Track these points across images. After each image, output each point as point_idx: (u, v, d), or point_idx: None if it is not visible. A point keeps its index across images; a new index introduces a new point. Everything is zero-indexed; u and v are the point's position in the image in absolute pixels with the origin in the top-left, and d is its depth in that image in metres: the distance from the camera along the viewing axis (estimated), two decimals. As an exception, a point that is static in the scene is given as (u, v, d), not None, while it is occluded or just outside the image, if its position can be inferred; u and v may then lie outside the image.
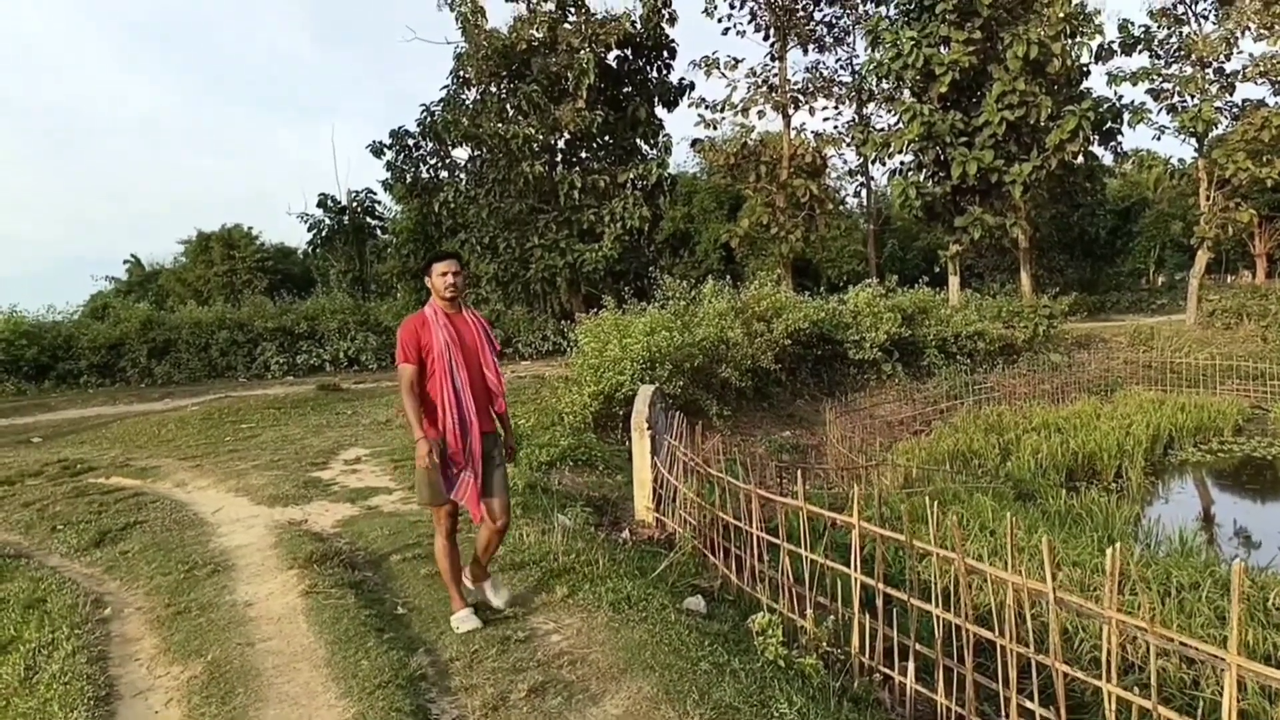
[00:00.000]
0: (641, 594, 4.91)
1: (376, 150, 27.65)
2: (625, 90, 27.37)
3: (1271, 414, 16.80)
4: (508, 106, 25.39)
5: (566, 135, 26.21)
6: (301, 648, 4.29)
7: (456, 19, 25.44)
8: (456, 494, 4.27)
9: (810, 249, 35.17)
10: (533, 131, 23.94)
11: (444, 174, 27.95)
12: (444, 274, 4.39)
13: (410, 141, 27.38)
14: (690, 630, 4.39)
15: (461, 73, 26.19)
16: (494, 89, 26.14)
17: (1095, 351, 22.03)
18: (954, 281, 25.68)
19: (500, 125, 24.28)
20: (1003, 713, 3.44)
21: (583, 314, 17.15)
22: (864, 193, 35.35)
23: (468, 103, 26.22)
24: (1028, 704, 3.35)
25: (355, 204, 31.88)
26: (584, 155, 27.75)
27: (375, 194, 32.12)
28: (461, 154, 27.42)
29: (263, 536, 6.41)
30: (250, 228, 48.79)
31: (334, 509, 7.32)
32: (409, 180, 27.74)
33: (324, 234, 31.45)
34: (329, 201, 31.36)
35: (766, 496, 5.19)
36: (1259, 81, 28.03)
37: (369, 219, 32.88)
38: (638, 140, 27.35)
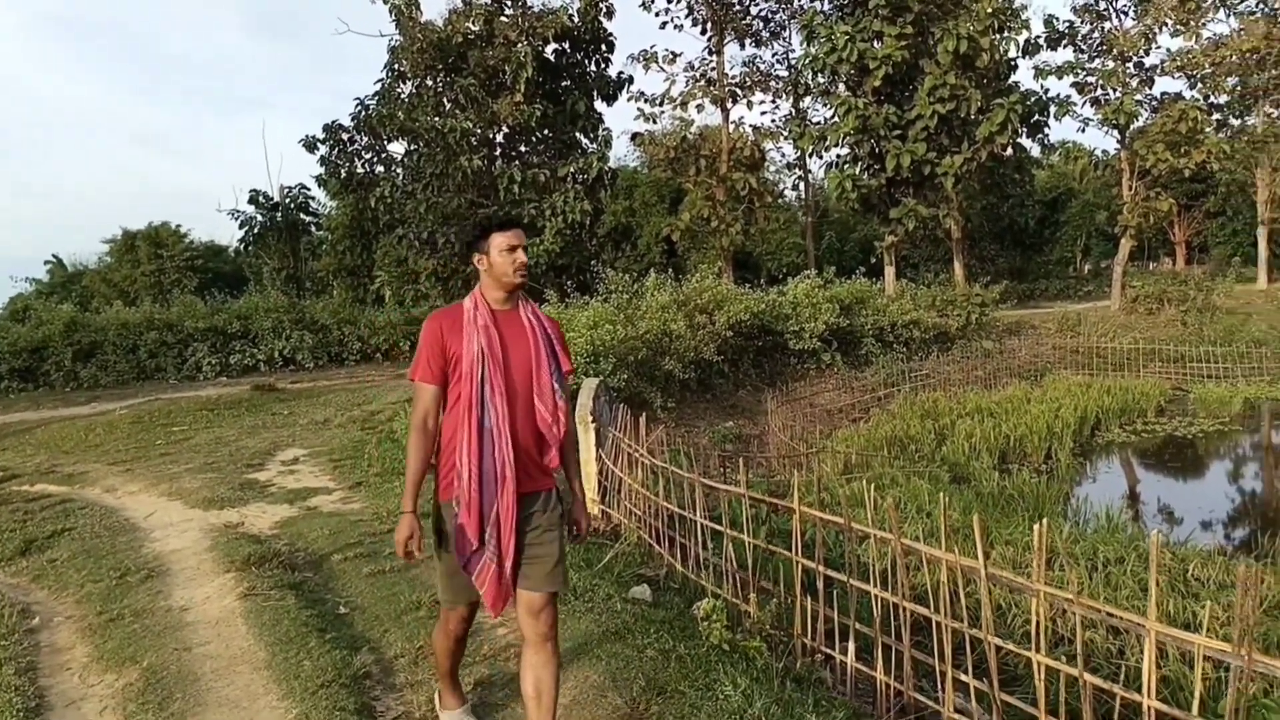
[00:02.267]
0: (587, 585, 4.94)
1: (310, 145, 27.04)
2: (564, 84, 27.25)
3: (1191, 395, 17.53)
4: (444, 100, 25.08)
5: (505, 129, 26.00)
6: (241, 650, 4.21)
7: (390, 11, 25.02)
8: (472, 573, 2.88)
9: (750, 242, 35.52)
10: (470, 125, 23.70)
11: (380, 169, 27.46)
12: (510, 248, 2.91)
13: (344, 136, 26.82)
14: (636, 619, 4.43)
15: (396, 66, 25.78)
16: (430, 82, 25.79)
17: (1025, 338, 22.69)
18: (890, 272, 26.19)
19: (437, 119, 23.97)
20: (939, 687, 3.56)
21: (524, 309, 17.05)
22: (802, 186, 35.78)
23: (403, 96, 25.82)
24: (963, 677, 3.46)
25: (289, 200, 31.16)
26: (523, 149, 27.57)
27: (309, 190, 31.46)
28: (397, 148, 27.00)
29: (198, 540, 6.26)
30: (178, 225, 47.41)
31: (272, 510, 7.18)
32: (344, 175, 27.19)
33: (256, 231, 30.67)
34: (261, 198, 30.59)
35: (710, 485, 5.26)
36: (1176, 75, 29.21)
37: (303, 215, 32.16)
38: (577, 134, 27.26)
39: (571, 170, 25.51)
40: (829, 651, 4.18)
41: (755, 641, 4.12)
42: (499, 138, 26.79)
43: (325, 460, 9.24)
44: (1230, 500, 11.28)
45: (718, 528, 5.06)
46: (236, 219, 30.19)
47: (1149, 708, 2.66)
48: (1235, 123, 33.24)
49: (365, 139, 26.77)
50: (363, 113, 26.05)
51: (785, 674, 3.88)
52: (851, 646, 4.00)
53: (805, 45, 25.56)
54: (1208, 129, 26.35)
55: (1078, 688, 2.95)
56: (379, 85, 26.15)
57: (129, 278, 44.67)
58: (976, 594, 3.83)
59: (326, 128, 26.75)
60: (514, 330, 2.95)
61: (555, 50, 26.69)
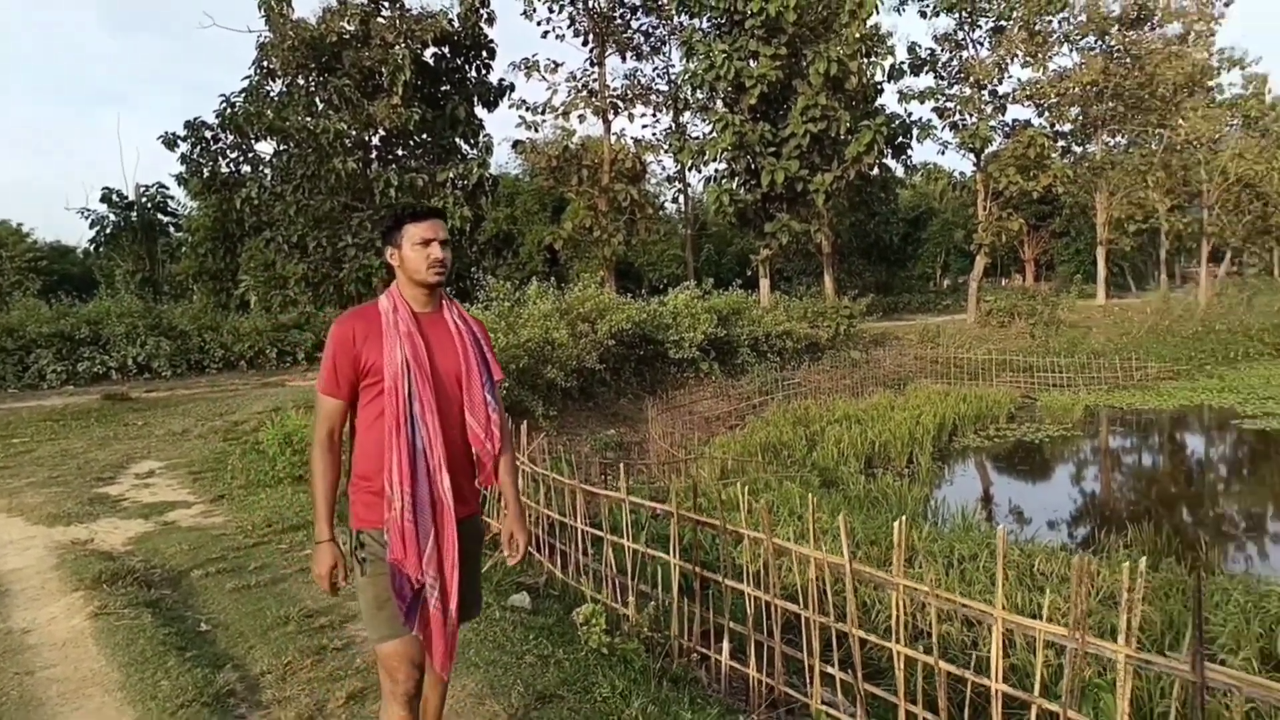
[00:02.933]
0: (465, 594, 4.88)
1: (169, 142, 25.58)
2: (444, 89, 26.84)
3: (1039, 402, 18.81)
4: (317, 100, 24.23)
5: (381, 132, 25.36)
6: (92, 672, 3.95)
7: (260, 6, 24.02)
8: (413, 625, 2.45)
9: (632, 252, 35.93)
10: (345, 127, 22.98)
11: (246, 169, 26.26)
12: (425, 241, 2.56)
13: (208, 134, 25.51)
14: (515, 626, 4.42)
15: (265, 63, 24.72)
16: (301, 81, 24.88)
17: (890, 349, 23.83)
18: (764, 284, 26.99)
19: (309, 119, 23.13)
20: (807, 680, 3.71)
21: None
22: (681, 199, 36.47)
23: (272, 95, 24.78)
24: (830, 670, 3.62)
25: (145, 199, 29.40)
26: (401, 153, 26.96)
27: (168, 189, 29.79)
28: (266, 148, 25.87)
29: (42, 558, 5.83)
30: (20, 224, 43.97)
31: (125, 526, 6.75)
32: (206, 175, 25.85)
33: (109, 231, 28.80)
34: (115, 196, 28.77)
35: (591, 491, 5.30)
36: (1025, 104, 31.42)
37: (161, 215, 30.42)
38: (457, 140, 26.89)
39: (451, 176, 25.12)
40: (705, 651, 4.29)
41: (633, 644, 4.17)
42: (375, 140, 26.11)
43: (184, 473, 8.76)
44: (1072, 500, 12.16)
45: (598, 533, 5.11)
46: (87, 218, 28.30)
47: (996, 691, 2.87)
48: (1078, 150, 36.05)
49: (231, 137, 25.55)
50: (228, 110, 24.85)
51: (662, 674, 3.96)
52: (726, 645, 4.11)
53: (685, 61, 26.10)
54: (1053, 154, 28.45)
55: (935, 676, 3.14)
56: (246, 82, 25.04)
57: (-38, 278, 41.05)
58: (844, 591, 4.02)
59: (188, 124, 25.42)
60: (440, 336, 2.59)
61: (435, 54, 26.28)
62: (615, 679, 3.67)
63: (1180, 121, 33.39)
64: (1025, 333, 26.94)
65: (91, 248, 31.20)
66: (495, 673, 3.84)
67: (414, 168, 25.76)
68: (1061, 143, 33.66)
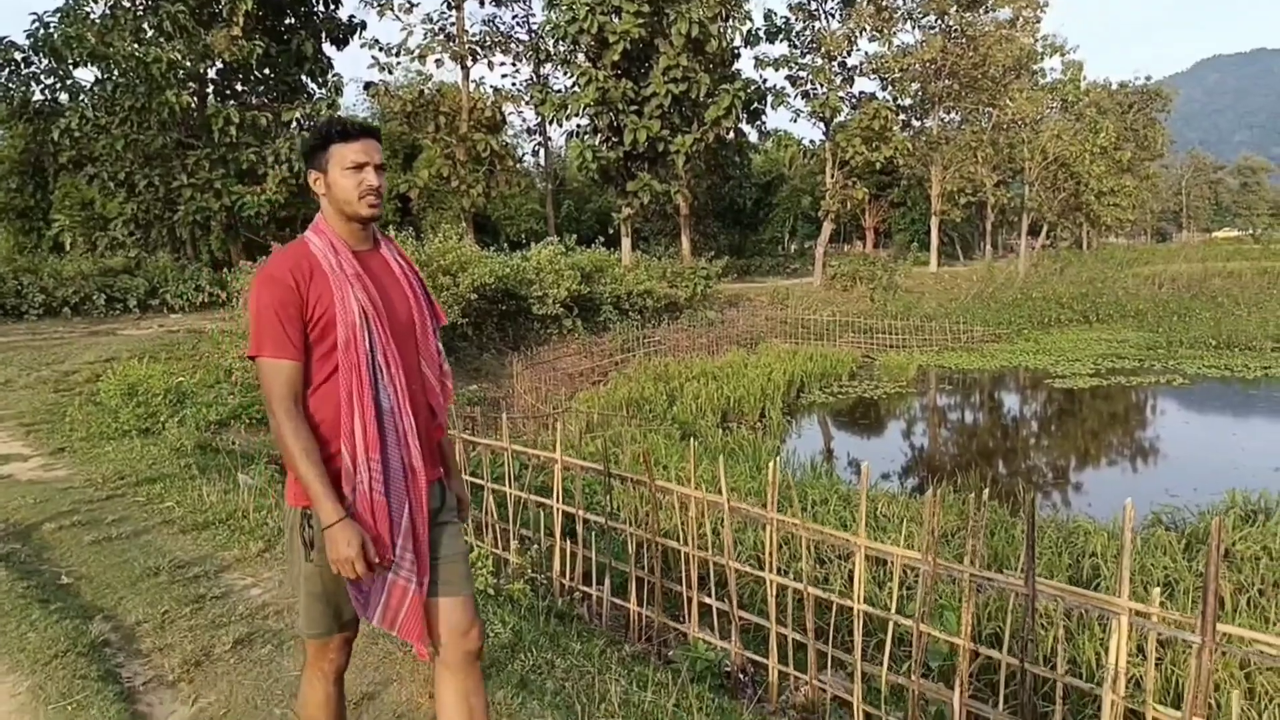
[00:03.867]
0: (344, 542, 4.88)
1: (-29, 63, 22.94)
2: (289, 22, 25.30)
3: (877, 362, 20.08)
4: (146, 25, 22.28)
5: (219, 64, 23.69)
6: (-57, 632, 3.73)
7: (77, -85, 21.78)
8: (374, 613, 2.18)
9: (490, 205, 35.26)
10: (179, 57, 21.27)
11: (64, 97, 23.90)
12: (356, 165, 2.19)
13: (18, 56, 23.01)
14: (399, 571, 4.47)
15: (85, -20, 22.49)
16: (128, 4, 22.81)
17: (743, 309, 24.72)
18: (626, 243, 27.28)
19: (137, 46, 21.25)
20: (685, 611, 3.99)
21: (245, 262, 15.85)
22: (542, 152, 36.05)
23: (94, 17, 22.57)
24: (706, 600, 3.92)
25: (-62, 125, 26.23)
26: (241, 89, 25.32)
27: (-34, 115, 26.63)
28: (86, 75, 23.63)
29: None
30: None
31: (-48, 481, 6.26)
32: (15, 102, 23.34)
33: (-105, 159, 25.58)
34: (-100, 118, 25.48)
35: (472, 440, 5.37)
36: (872, 77, 32.90)
37: (-44, 144, 27.27)
38: (304, 78, 25.48)
39: (298, 116, 23.84)
40: (586, 589, 4.50)
41: (518, 585, 4.33)
42: (212, 74, 24.38)
43: (14, 425, 8.13)
44: (906, 452, 13.18)
45: (477, 482, 5.20)
46: None
47: (859, 611, 3.22)
48: (917, 124, 38.18)
49: (45, 61, 23.12)
50: (41, 31, 22.45)
51: (548, 611, 4.14)
52: (608, 582, 4.34)
53: (547, 11, 25.70)
54: (895, 127, 30.03)
55: (804, 603, 3.47)
56: (62, 1, 22.68)
57: None
58: (719, 530, 4.32)
59: (-7, 43, 22.84)
60: (387, 277, 2.28)
61: (279, -16, 24.70)
62: (505, 616, 3.82)
63: (1007, 102, 36.00)
64: (866, 297, 28.54)
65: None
66: (385, 615, 3.91)
67: (256, 105, 24.27)
68: (903, 116, 35.55)
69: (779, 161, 53.72)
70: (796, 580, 3.48)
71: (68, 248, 28.14)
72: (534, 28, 30.00)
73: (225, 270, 20.88)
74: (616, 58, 23.76)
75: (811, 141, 34.80)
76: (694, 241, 33.23)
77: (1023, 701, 2.77)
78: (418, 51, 27.81)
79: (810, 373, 17.50)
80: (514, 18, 31.76)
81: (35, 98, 23.55)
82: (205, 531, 5.07)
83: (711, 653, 3.75)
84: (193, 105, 22.37)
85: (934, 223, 41.14)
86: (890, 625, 3.15)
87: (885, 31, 31.42)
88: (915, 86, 35.78)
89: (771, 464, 3.51)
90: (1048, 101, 38.99)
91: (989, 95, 36.29)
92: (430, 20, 28.35)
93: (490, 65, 30.27)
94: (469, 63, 28.74)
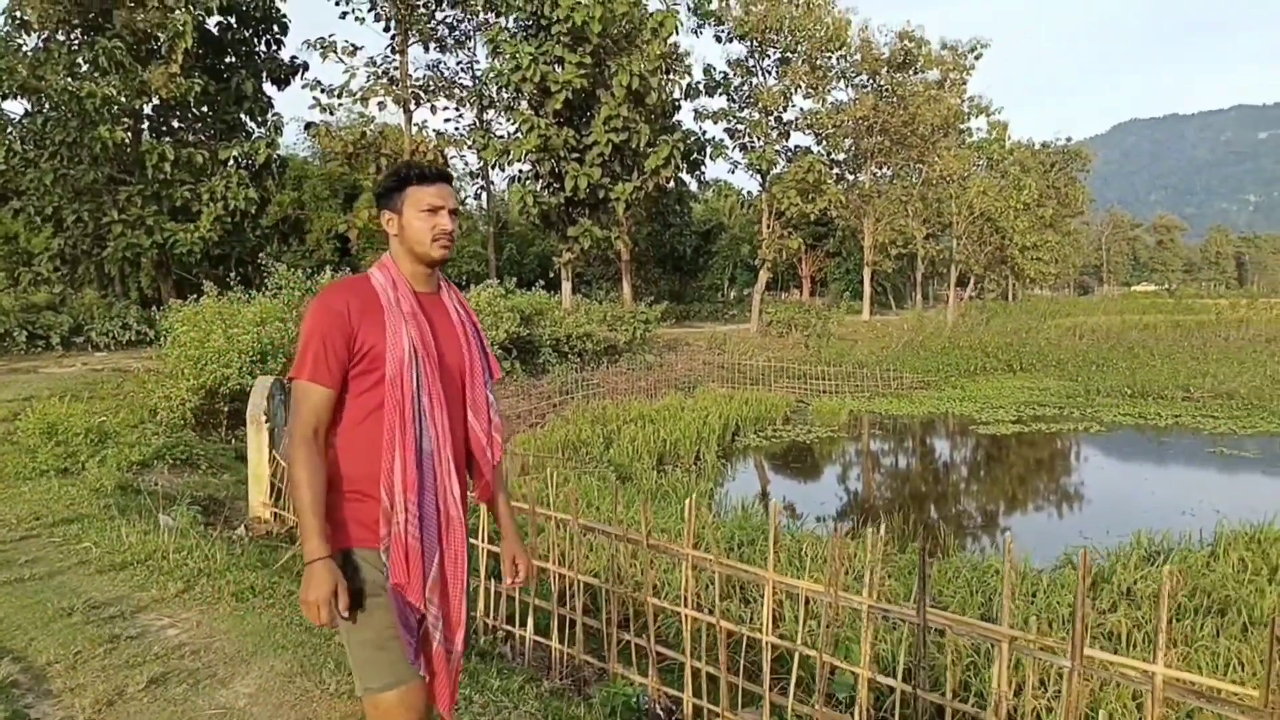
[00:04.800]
0: (266, 584, 4.86)
1: (-110, 88, 22.28)
2: (229, 61, 25.21)
3: (810, 407, 20.49)
4: (80, 60, 21.99)
5: (156, 101, 23.44)
6: None
7: (12, -52, 21.52)
8: (420, 663, 2.12)
9: (430, 247, 35.11)
10: (114, 93, 21.02)
11: (-10, 128, 23.35)
12: (433, 209, 2.21)
13: (-57, 84, 22.46)
14: (322, 611, 4.47)
15: (18, 14, 22.13)
16: (62, 38, 22.51)
17: (681, 354, 25.05)
18: (566, 287, 27.47)
19: (70, 81, 20.95)
20: (605, 648, 4.08)
21: (175, 300, 15.57)
22: (484, 196, 36.26)
23: (25, 49, 22.20)
24: (625, 636, 4.02)
25: None
26: (178, 125, 25.04)
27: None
28: (15, 108, 23.17)
29: None
30: None
31: None
32: (-61, 132, 22.72)
33: None
34: None
35: (397, 480, 5.40)
36: (806, 132, 33.99)
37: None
38: (243, 116, 25.33)
39: (235, 154, 23.67)
40: (509, 629, 4.56)
41: (442, 622, 4.36)
42: (148, 109, 24.11)
43: (-77, 464, 7.86)
44: (836, 495, 13.46)
45: (405, 521, 5.22)
46: None
47: (767, 643, 3.36)
48: (850, 178, 39.47)
49: (-28, 92, 22.61)
50: (-31, 60, 22.00)
51: (469, 650, 4.18)
52: (531, 620, 4.40)
53: (490, 59, 26.08)
54: (829, 180, 31.02)
55: (716, 638, 3.60)
56: (-7, 32, 22.28)
57: None
58: (639, 567, 4.43)
59: (-83, 71, 22.22)
60: (442, 321, 2.25)
61: (219, 23, 24.65)
62: (427, 653, 3.86)
63: (936, 159, 37.49)
64: (801, 343, 29.16)
65: None
66: (304, 653, 3.91)
67: (192, 142, 24.03)
68: (836, 170, 36.75)
69: (719, 211, 54.84)
70: (710, 615, 3.61)
71: (-10, 284, 27.25)
72: (477, 74, 30.36)
73: (154, 308, 20.45)
74: (559, 106, 24.17)
75: (749, 192, 35.66)
76: (635, 287, 33.62)
77: (916, 727, 2.93)
78: (360, 94, 27.91)
79: (745, 416, 17.78)
80: (458, 63, 32.12)
81: (-41, 128, 22.94)
82: (123, 572, 4.99)
83: (630, 688, 3.83)
84: (127, 141, 22.04)
85: (867, 273, 42.36)
86: (796, 656, 3.29)
87: (820, 89, 32.59)
88: (848, 142, 37.09)
89: (687, 502, 3.65)
90: (974, 159, 40.76)
91: (918, 152, 37.78)
92: (374, 64, 28.51)
93: (433, 109, 30.50)
94: (412, 106, 28.93)
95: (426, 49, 29.92)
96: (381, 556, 2.06)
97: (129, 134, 22.31)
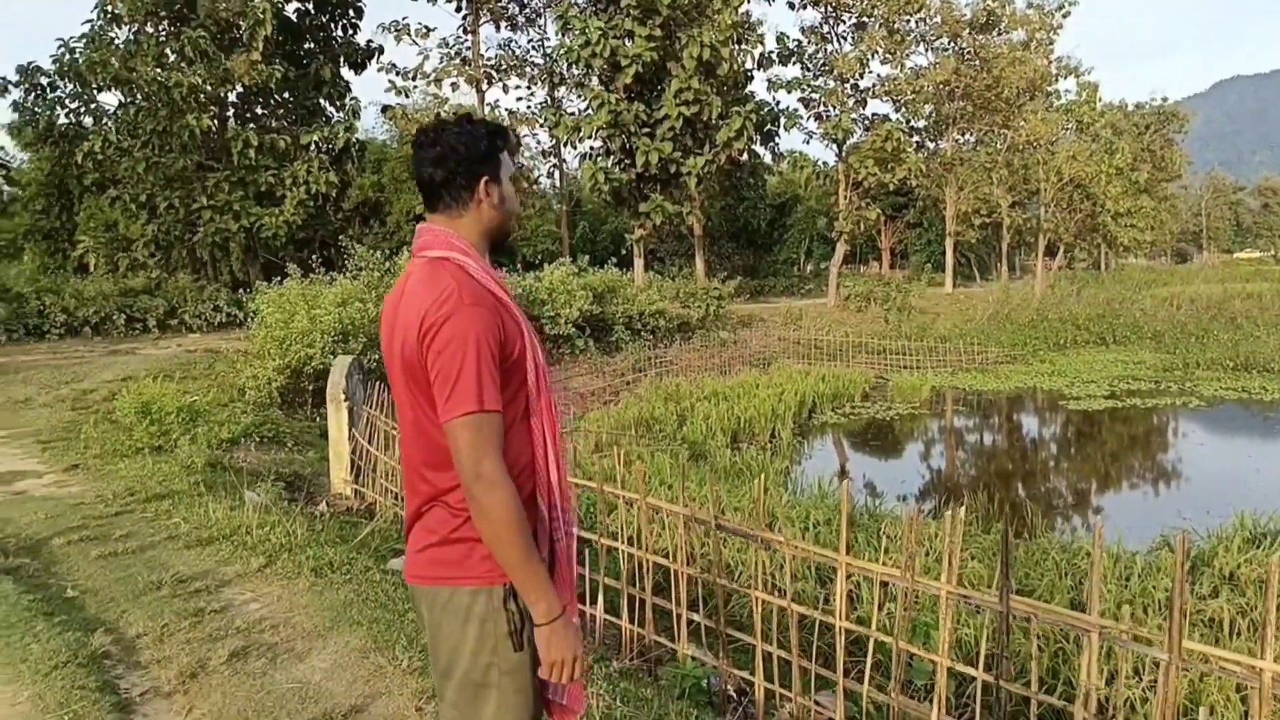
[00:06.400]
0: (344, 559, 4.96)
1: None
2: (307, 47, 25.81)
3: (890, 383, 20.01)
4: (168, 51, 22.79)
5: (239, 89, 24.17)
6: (-52, 642, 3.83)
7: (103, -55, 22.37)
8: (553, 686, 1.87)
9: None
10: (199, 81, 21.75)
11: (88, 120, 24.45)
12: (514, 177, 2.00)
13: (44, 81, 23.60)
14: (396, 587, 4.54)
15: (109, 8, 23.03)
16: (150, 30, 23.35)
17: (756, 330, 24.74)
18: (639, 264, 27.42)
19: (159, 71, 21.75)
20: (675, 629, 4.02)
21: (262, 283, 16.07)
22: (557, 174, 36.39)
23: (117, 42, 23.11)
24: (694, 617, 3.95)
25: (-34, 148, 26.88)
26: (261, 112, 25.79)
27: (-4, 139, 27.33)
28: (110, 99, 24.17)
29: (-127, 531, 5.48)
30: None
31: (-33, 497, 6.40)
32: (42, 125, 23.90)
33: (-78, 182, 26.21)
34: (-67, 142, 26.18)
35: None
36: (884, 99, 33.01)
37: (-14, 167, 27.92)
38: (322, 101, 25.95)
39: (315, 139, 24.25)
40: (582, 608, 4.54)
41: (513, 600, 4.37)
42: (232, 97, 24.88)
43: (31, 442, 8.30)
44: (918, 473, 13.13)
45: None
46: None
47: (840, 628, 3.25)
48: (931, 145, 38.23)
49: (70, 86, 23.70)
50: (67, 56, 23.02)
51: (541, 627, 4.18)
52: (601, 600, 4.38)
53: (561, 36, 26.04)
54: (909, 149, 30.07)
55: (789, 621, 3.50)
56: (88, 27, 23.24)
57: None
58: (710, 547, 4.34)
59: (21, 70, 23.44)
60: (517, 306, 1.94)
61: (298, 10, 25.23)
62: (497, 631, 3.87)
63: (1022, 123, 35.97)
64: (880, 317, 28.47)
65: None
66: (379, 629, 3.96)
67: (275, 128, 24.70)
68: (916, 138, 35.59)
69: (794, 183, 53.83)
70: (781, 598, 3.51)
71: (92, 269, 28.65)
72: (548, 52, 30.38)
73: (243, 290, 21.19)
74: (629, 81, 24.02)
75: (825, 163, 34.81)
76: (708, 262, 33.35)
77: (998, 718, 2.79)
78: (434, 75, 28.28)
79: (822, 393, 17.45)
80: (529, 42, 32.19)
81: (60, 121, 24.10)
82: (209, 547, 5.16)
83: (699, 670, 3.77)
84: (213, 128, 22.82)
85: (949, 244, 41.06)
86: (871, 642, 3.18)
87: (898, 54, 31.56)
88: (929, 108, 35.84)
89: (757, 482, 3.55)
90: (1063, 123, 38.90)
91: (1003, 117, 36.29)
92: (446, 45, 28.89)
93: (505, 89, 30.81)
94: (484, 86, 29.16)
95: (498, 28, 30.11)
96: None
97: (215, 121, 23.07)
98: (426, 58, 28.33)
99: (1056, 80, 39.63)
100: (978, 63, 34.80)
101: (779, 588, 5.28)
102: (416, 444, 1.85)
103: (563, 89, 30.45)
